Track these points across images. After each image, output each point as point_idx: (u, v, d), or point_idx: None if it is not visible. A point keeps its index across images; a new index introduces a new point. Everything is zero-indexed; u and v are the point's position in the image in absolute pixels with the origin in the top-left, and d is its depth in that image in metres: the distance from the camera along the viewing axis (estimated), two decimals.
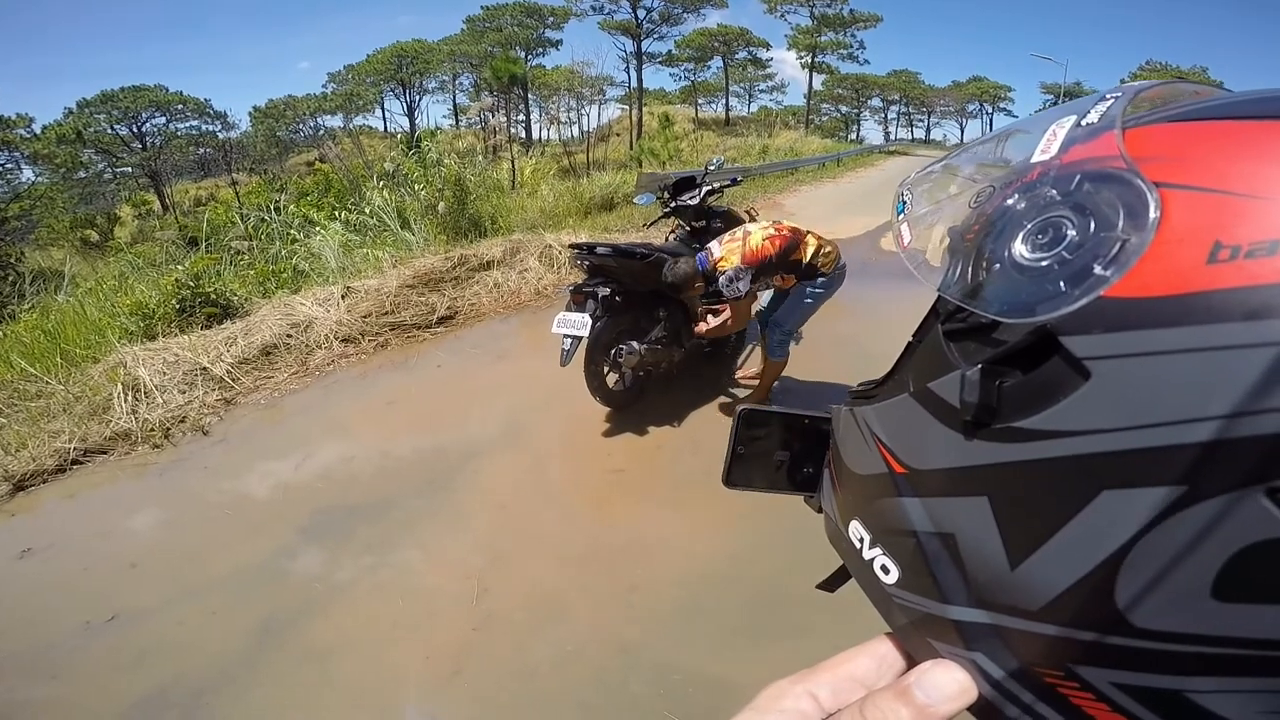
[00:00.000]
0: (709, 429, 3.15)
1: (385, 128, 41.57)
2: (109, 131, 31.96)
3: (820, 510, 0.42)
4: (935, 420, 0.29)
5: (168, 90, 33.57)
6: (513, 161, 12.03)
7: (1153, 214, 0.22)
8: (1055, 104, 0.47)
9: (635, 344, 2.98)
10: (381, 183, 7.57)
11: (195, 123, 35.33)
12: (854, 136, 50.95)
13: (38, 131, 26.45)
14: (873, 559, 0.33)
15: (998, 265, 0.27)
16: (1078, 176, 0.26)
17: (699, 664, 1.82)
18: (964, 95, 56.90)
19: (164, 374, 3.70)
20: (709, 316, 3.04)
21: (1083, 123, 0.28)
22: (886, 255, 6.58)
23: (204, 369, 3.81)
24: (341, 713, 1.73)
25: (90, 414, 3.36)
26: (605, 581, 2.16)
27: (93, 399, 3.46)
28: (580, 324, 2.81)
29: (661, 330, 3.09)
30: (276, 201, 7.94)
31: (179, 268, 5.10)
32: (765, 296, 3.16)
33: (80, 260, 11.28)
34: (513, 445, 3.07)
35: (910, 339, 0.34)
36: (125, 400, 3.42)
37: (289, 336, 4.33)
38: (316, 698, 1.77)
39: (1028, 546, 0.25)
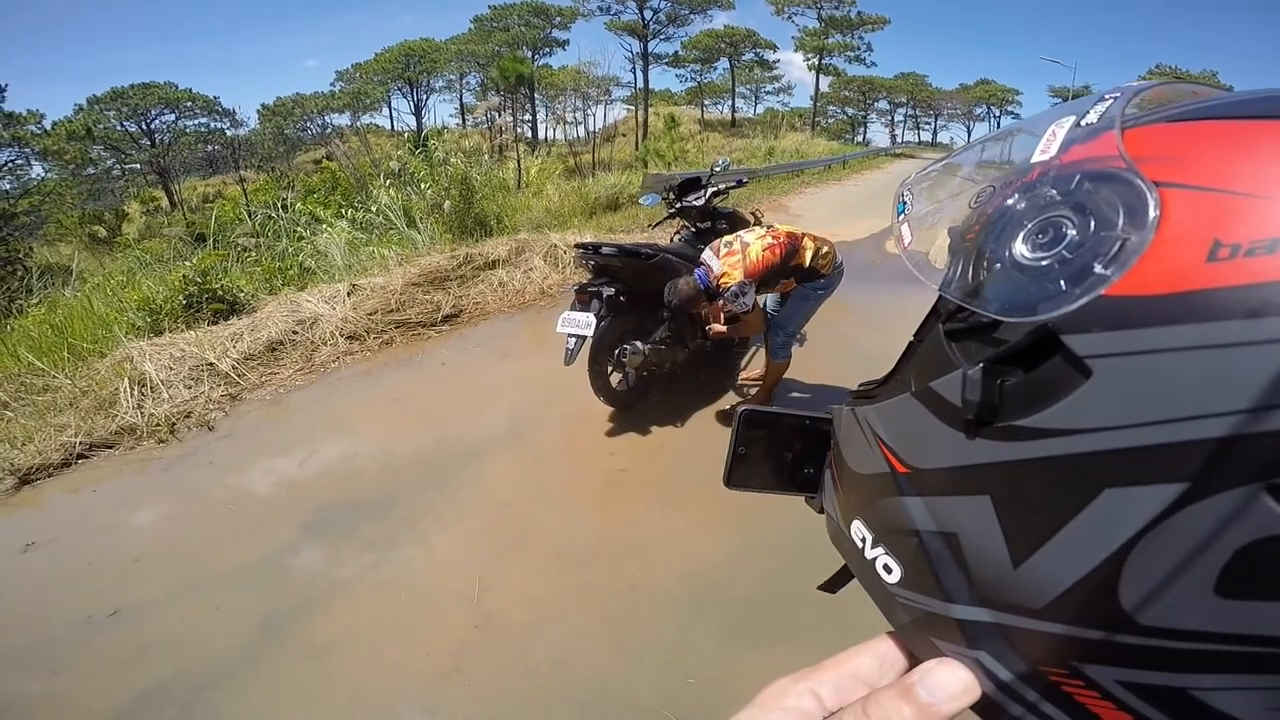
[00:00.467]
0: (711, 429, 3.15)
1: (392, 126, 41.67)
2: (118, 128, 32.13)
3: (821, 511, 0.42)
4: (937, 419, 0.29)
5: (177, 87, 33.73)
6: (519, 161, 12.07)
7: (1152, 213, 0.23)
8: None
9: (639, 344, 2.98)
10: (388, 181, 7.59)
11: (204, 120, 35.49)
12: (860, 139, 50.93)
13: (48, 127, 26.63)
14: (875, 558, 0.33)
15: (998, 265, 0.27)
16: (1078, 176, 0.26)
17: (700, 663, 1.82)
18: (971, 98, 56.74)
19: (170, 369, 3.72)
20: (724, 320, 3.06)
21: (1082, 123, 0.28)
22: (891, 258, 6.56)
23: (210, 364, 3.83)
24: (341, 709, 1.73)
25: (96, 408, 3.38)
26: (606, 580, 2.16)
27: (99, 393, 3.48)
28: (585, 323, 2.81)
29: (665, 331, 3.09)
30: (284, 199, 7.98)
31: (186, 264, 5.15)
32: (768, 300, 3.16)
33: (88, 256, 11.38)
34: (516, 443, 3.08)
35: (911, 339, 0.34)
36: (131, 395, 3.44)
37: (295, 333, 4.35)
38: (317, 694, 1.77)
39: (1030, 545, 0.25)
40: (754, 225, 3.17)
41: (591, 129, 36.12)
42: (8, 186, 24.01)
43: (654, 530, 2.42)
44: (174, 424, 3.33)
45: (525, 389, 3.64)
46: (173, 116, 34.22)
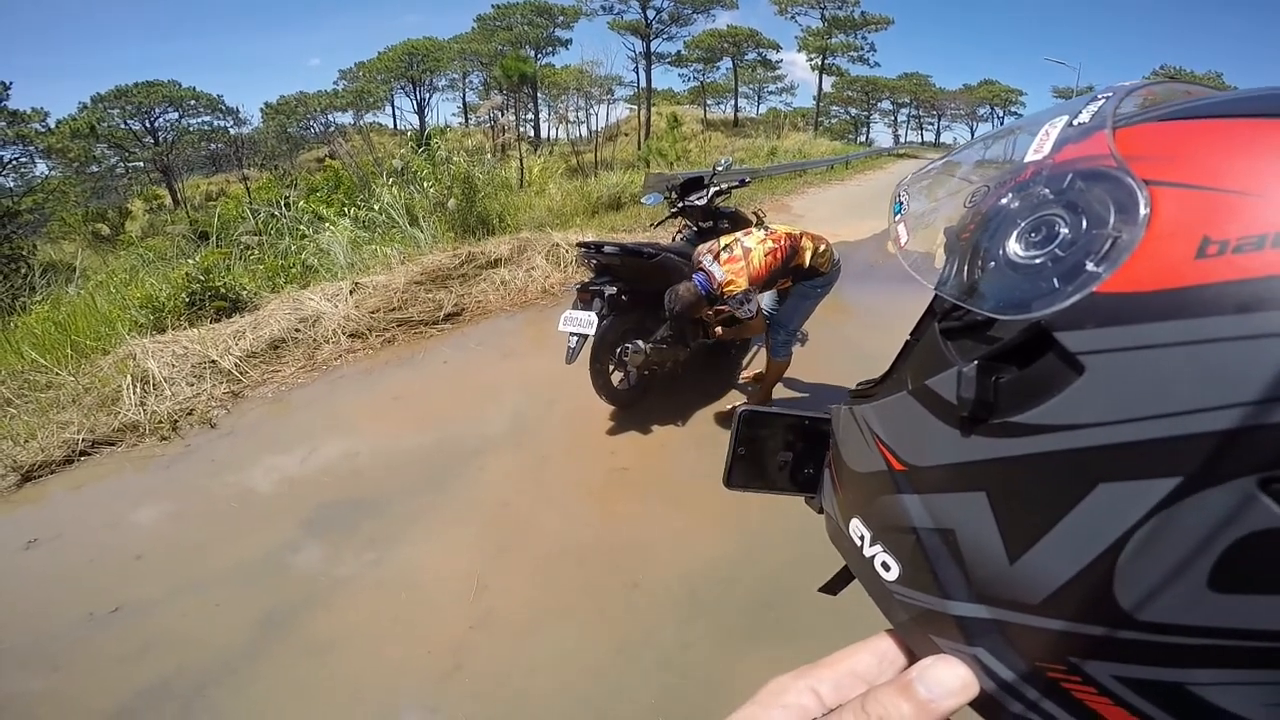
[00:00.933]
0: (712, 428, 3.15)
1: (395, 125, 41.89)
2: (122, 126, 32.21)
3: (821, 511, 0.42)
4: (933, 417, 0.29)
5: (181, 86, 33.83)
6: (521, 160, 12.08)
7: (1143, 211, 0.23)
8: None
9: (641, 343, 2.98)
10: (391, 180, 7.61)
11: (207, 118, 35.59)
12: (863, 139, 50.89)
13: (52, 126, 26.71)
14: (873, 556, 0.33)
15: (993, 263, 0.27)
16: (1070, 175, 0.26)
17: (699, 662, 1.82)
18: (975, 99, 56.62)
19: (173, 366, 3.73)
20: (724, 323, 3.07)
21: (1074, 122, 0.28)
22: (892, 258, 6.51)
23: (212, 362, 3.84)
24: (342, 707, 1.73)
25: (99, 405, 3.39)
26: (606, 579, 2.16)
27: (102, 390, 3.49)
28: (586, 322, 2.81)
29: (667, 330, 3.10)
30: (286, 197, 7.99)
31: (189, 262, 5.15)
32: (765, 298, 3.16)
33: (91, 254, 11.41)
34: (517, 442, 3.08)
35: (908, 338, 0.34)
36: (134, 392, 3.45)
37: (297, 331, 4.36)
38: (317, 691, 1.78)
39: (1026, 541, 0.25)
40: (754, 225, 3.16)
41: (594, 128, 36.21)
42: (12, 184, 24.11)
43: (654, 529, 2.42)
44: (176, 421, 3.34)
45: (527, 387, 3.65)
46: (176, 115, 34.34)
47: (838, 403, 0.39)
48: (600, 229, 8.22)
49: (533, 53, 38.26)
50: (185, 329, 4.29)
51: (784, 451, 0.44)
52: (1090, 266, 0.23)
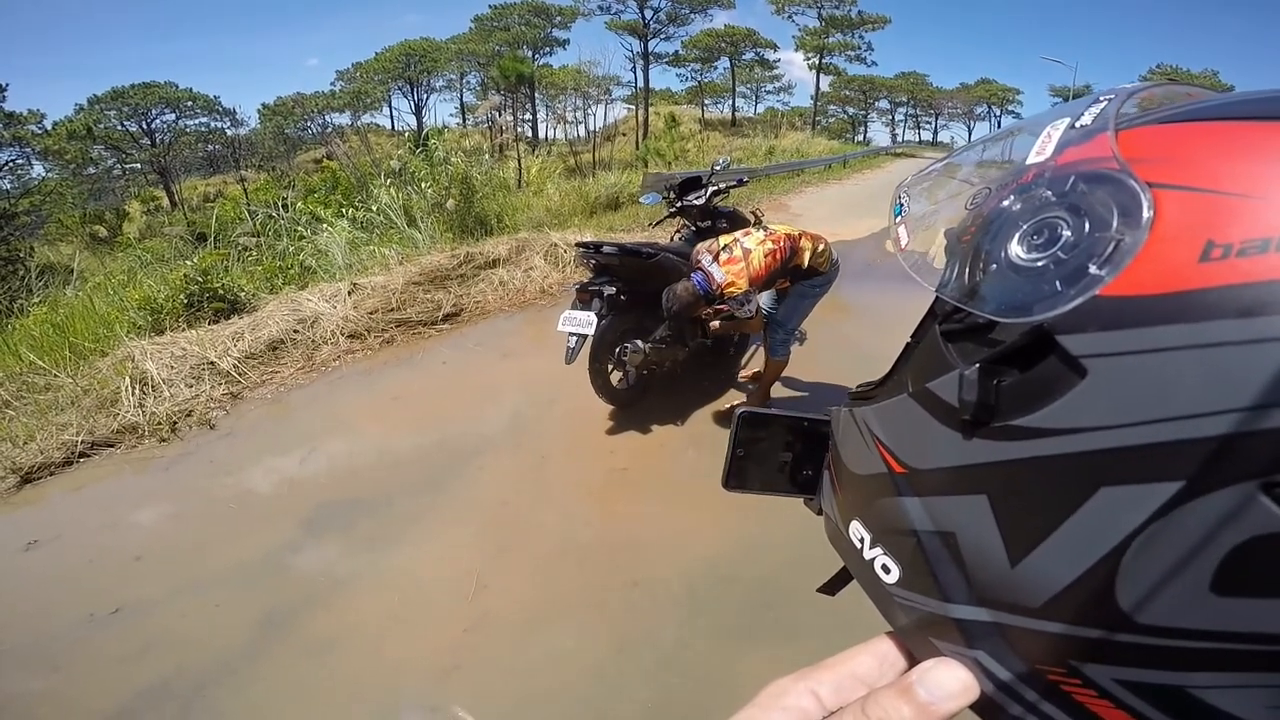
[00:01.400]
0: (711, 428, 3.15)
1: (393, 126, 41.66)
2: (119, 128, 32.15)
3: (820, 512, 0.42)
4: (934, 420, 0.29)
5: (177, 87, 33.76)
6: (519, 160, 12.06)
7: (1146, 214, 0.23)
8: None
9: (640, 342, 2.98)
10: (388, 180, 7.58)
11: (204, 119, 35.52)
12: (861, 138, 50.88)
13: (49, 127, 26.65)
14: (873, 559, 0.33)
15: (994, 266, 0.27)
16: (1072, 178, 0.26)
17: (699, 662, 1.82)
18: (972, 98, 56.66)
19: (171, 368, 3.72)
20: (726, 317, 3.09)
21: (1077, 125, 0.28)
22: (890, 258, 6.51)
23: (211, 363, 3.83)
24: (341, 706, 1.73)
25: (98, 407, 3.38)
26: (605, 579, 2.16)
27: (100, 392, 3.48)
28: (585, 322, 2.81)
29: (666, 329, 3.10)
30: (284, 198, 7.96)
31: (187, 263, 5.13)
32: (763, 298, 3.16)
33: (89, 255, 11.36)
34: (516, 442, 3.08)
35: (909, 340, 0.34)
36: (133, 394, 3.44)
37: (295, 332, 4.35)
38: (317, 691, 1.77)
39: (1027, 544, 0.25)
40: (753, 225, 3.16)
41: (592, 128, 36.15)
42: (9, 186, 24.07)
43: (654, 529, 2.42)
44: (175, 422, 3.34)
45: (526, 387, 3.64)
46: (173, 116, 34.29)
47: (836, 402, 0.39)
48: (598, 229, 8.21)
49: (530, 53, 38.20)
50: (183, 330, 4.28)
51: (783, 453, 0.44)
52: (1093, 269, 0.23)
